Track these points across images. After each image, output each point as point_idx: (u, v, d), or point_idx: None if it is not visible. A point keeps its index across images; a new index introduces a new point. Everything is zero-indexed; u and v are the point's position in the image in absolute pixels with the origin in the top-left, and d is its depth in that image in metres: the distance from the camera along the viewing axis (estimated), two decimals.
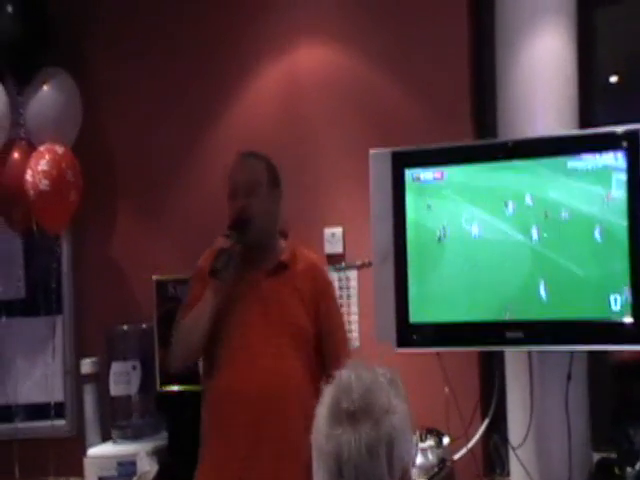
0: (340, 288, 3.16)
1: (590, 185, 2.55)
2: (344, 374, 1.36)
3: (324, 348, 2.42)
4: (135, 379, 3.19)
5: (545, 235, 2.60)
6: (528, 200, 2.63)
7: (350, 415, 1.30)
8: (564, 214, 2.59)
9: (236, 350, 2.35)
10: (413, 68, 3.06)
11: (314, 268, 2.46)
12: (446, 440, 2.73)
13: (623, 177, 2.48)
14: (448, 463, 2.75)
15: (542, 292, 2.56)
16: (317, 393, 2.55)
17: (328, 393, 1.36)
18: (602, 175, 2.52)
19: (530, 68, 2.74)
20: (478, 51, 3.02)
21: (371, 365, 1.39)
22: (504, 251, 2.66)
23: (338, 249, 3.15)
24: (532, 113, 2.73)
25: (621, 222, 2.49)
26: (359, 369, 1.37)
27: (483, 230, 2.68)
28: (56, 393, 3.43)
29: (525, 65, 2.74)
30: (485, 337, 2.64)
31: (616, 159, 2.51)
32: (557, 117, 2.73)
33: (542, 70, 2.73)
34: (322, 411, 1.35)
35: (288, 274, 2.38)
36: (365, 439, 1.28)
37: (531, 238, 2.61)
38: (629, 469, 2.57)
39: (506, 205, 2.65)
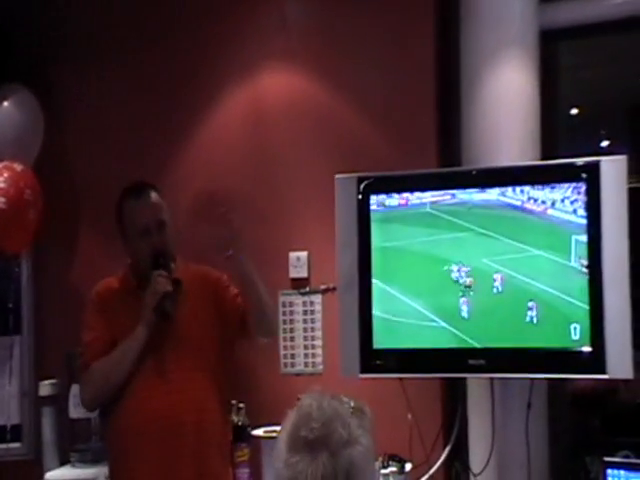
0: (304, 312, 3.16)
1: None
2: (306, 401, 1.34)
3: (238, 312, 2.50)
4: None
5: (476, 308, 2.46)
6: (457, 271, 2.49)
7: (308, 444, 1.28)
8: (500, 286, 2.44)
9: (143, 386, 2.40)
10: (379, 96, 3.08)
11: (201, 270, 2.58)
12: (408, 466, 2.74)
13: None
14: None
15: None
16: (227, 412, 2.65)
17: (290, 419, 1.34)
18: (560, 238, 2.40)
19: (493, 100, 2.79)
20: (444, 82, 3.05)
21: (337, 394, 1.37)
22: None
23: (303, 273, 3.15)
24: (495, 145, 2.77)
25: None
26: (322, 398, 1.35)
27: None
28: (13, 415, 3.36)
29: (488, 97, 2.79)
30: (448, 364, 2.65)
31: (575, 212, 2.42)
32: (520, 149, 2.77)
33: (505, 102, 2.78)
34: (282, 436, 1.33)
35: (182, 290, 2.48)
36: (322, 470, 1.26)
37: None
38: None
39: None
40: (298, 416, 1.32)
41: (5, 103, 3.26)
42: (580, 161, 2.52)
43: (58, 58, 3.44)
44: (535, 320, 2.48)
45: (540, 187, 2.53)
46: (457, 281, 2.55)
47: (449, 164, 2.98)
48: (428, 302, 2.58)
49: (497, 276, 2.49)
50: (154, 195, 2.53)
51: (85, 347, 2.44)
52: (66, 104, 3.44)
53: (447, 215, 2.59)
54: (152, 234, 2.45)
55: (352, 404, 1.35)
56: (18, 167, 3.21)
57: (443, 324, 2.56)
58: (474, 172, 2.69)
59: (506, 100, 2.78)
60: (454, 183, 2.66)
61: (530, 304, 2.48)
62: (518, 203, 2.52)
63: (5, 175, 3.17)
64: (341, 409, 1.32)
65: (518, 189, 2.52)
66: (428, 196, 2.61)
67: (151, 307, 2.39)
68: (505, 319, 2.52)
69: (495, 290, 2.52)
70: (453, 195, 2.57)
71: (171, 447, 2.37)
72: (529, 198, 2.46)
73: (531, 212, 2.49)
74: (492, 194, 2.53)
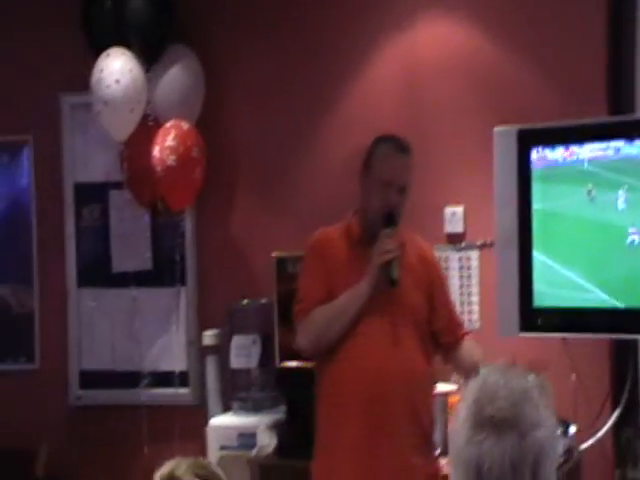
0: (460, 268, 3.10)
1: None
2: (492, 377, 1.26)
3: (438, 323, 2.43)
4: (255, 353, 3.24)
5: None
6: None
7: (495, 424, 1.20)
8: None
9: (359, 338, 2.36)
10: (541, 42, 2.92)
11: (426, 253, 2.48)
12: (573, 429, 2.65)
13: None
14: (575, 453, 2.67)
15: None
16: (433, 381, 2.55)
17: (471, 393, 1.27)
18: None
19: None
20: (616, 23, 2.83)
21: (521, 370, 1.28)
22: None
23: (458, 228, 3.09)
24: None
25: None
26: (508, 374, 1.26)
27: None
28: (180, 362, 3.53)
29: None
30: (616, 324, 2.53)
31: None
32: None
33: None
34: (463, 412, 1.25)
35: (405, 252, 2.38)
36: (510, 453, 1.18)
37: None
38: None
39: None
40: (482, 392, 1.25)
41: (171, 65, 3.36)
42: None
43: (216, 17, 3.49)
44: None
45: None
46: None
47: (620, 112, 2.78)
48: (592, 275, 2.47)
49: None
50: (409, 158, 2.42)
51: (305, 293, 2.43)
52: (224, 63, 3.50)
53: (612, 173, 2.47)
54: (391, 191, 2.35)
55: (536, 381, 1.27)
56: (185, 125, 3.30)
57: (612, 300, 2.44)
58: None
59: None
60: (625, 133, 2.50)
61: None
62: None
63: (173, 133, 3.28)
64: (530, 389, 1.24)
65: None
66: (596, 149, 2.43)
67: (376, 266, 2.31)
68: None
69: None
70: (617, 150, 2.40)
71: (384, 407, 2.32)
72: None
73: None
74: None
